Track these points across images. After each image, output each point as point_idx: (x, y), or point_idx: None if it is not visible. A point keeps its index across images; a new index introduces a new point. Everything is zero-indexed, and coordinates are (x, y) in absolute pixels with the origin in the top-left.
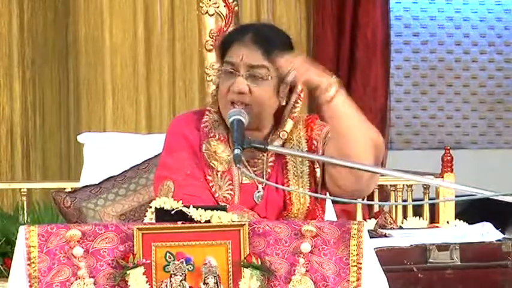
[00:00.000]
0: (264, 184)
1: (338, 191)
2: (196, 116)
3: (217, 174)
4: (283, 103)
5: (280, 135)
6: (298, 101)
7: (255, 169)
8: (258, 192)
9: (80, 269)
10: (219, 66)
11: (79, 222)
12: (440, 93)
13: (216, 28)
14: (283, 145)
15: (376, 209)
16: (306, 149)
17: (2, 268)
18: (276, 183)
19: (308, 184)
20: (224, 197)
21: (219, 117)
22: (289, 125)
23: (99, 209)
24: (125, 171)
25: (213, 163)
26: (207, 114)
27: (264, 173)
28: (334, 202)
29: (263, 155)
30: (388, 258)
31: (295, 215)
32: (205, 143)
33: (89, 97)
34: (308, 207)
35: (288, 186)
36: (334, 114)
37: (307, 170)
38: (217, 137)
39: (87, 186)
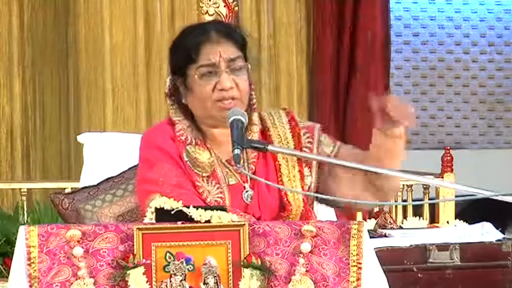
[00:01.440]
0: (250, 183)
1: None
2: (168, 126)
3: (203, 180)
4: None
5: (255, 130)
6: (251, 92)
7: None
8: (246, 192)
9: (80, 269)
10: (180, 73)
11: (77, 223)
12: (440, 93)
13: None
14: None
15: (376, 209)
16: (293, 145)
17: (2, 268)
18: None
19: (300, 189)
20: (215, 200)
21: (191, 122)
22: (255, 117)
23: (97, 210)
24: (123, 172)
25: (197, 170)
26: (177, 124)
27: (247, 169)
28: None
29: (245, 152)
30: (388, 258)
31: (294, 216)
32: (184, 152)
33: (89, 97)
34: (302, 209)
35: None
36: (390, 148)
37: (298, 176)
38: (193, 142)
39: (85, 187)
